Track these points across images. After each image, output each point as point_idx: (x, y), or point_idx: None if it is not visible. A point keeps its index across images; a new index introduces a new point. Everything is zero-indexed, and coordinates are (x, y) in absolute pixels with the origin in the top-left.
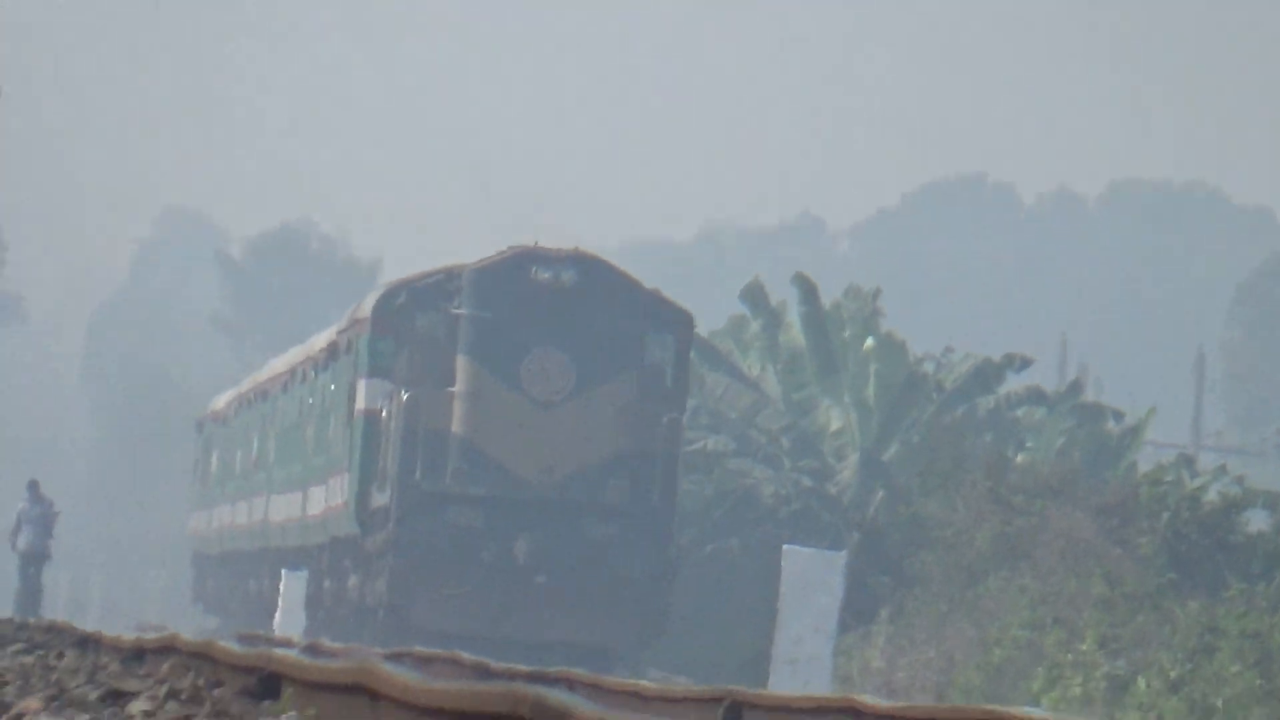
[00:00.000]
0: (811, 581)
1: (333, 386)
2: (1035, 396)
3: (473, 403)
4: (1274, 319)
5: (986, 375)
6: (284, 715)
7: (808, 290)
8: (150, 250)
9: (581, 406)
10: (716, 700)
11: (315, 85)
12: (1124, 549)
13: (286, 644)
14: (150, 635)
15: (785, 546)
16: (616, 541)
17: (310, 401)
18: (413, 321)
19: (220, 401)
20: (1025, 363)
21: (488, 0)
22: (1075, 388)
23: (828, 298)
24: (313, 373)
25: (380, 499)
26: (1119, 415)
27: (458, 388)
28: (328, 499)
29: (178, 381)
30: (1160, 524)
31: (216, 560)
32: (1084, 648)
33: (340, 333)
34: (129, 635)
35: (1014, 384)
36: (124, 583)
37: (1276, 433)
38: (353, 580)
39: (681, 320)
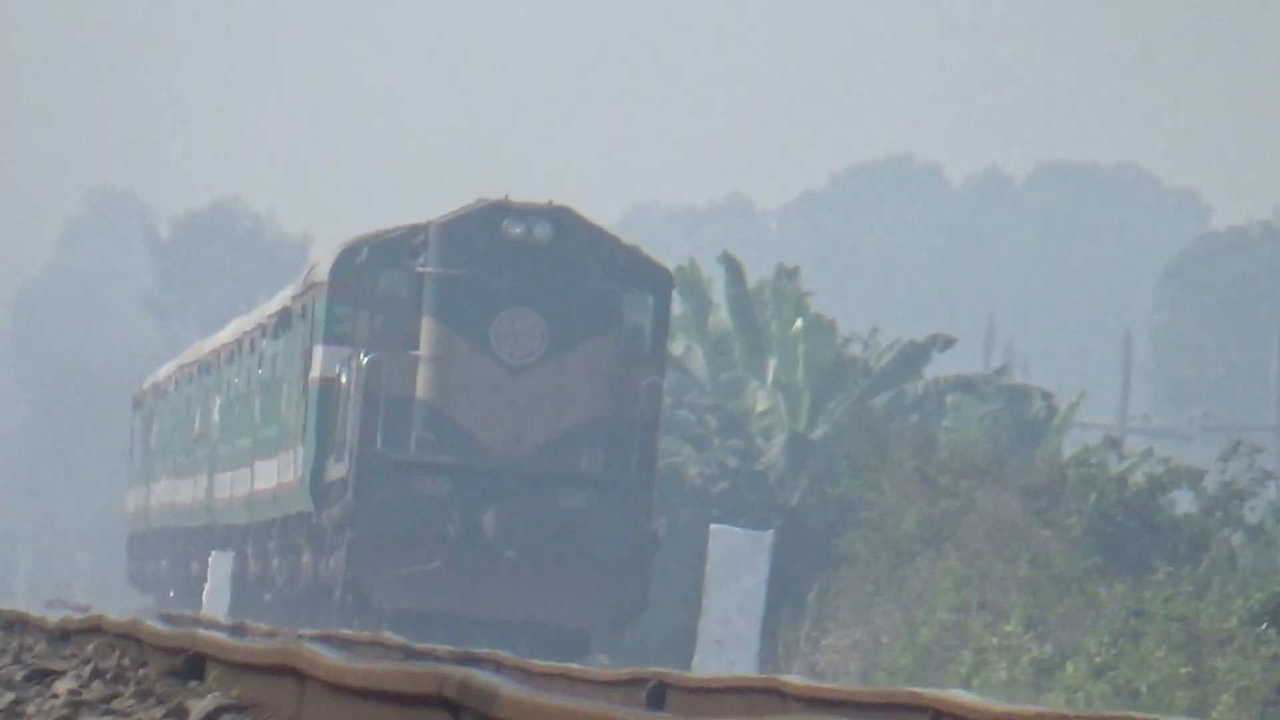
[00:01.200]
0: (738, 561)
1: (285, 354)
2: (964, 384)
3: (438, 367)
4: (1201, 301)
5: (912, 357)
6: (209, 695)
7: (734, 270)
8: (77, 228)
9: (555, 370)
10: (642, 681)
11: (244, 61)
12: (1051, 530)
13: (215, 625)
14: (75, 615)
15: (712, 525)
16: (592, 514)
17: (260, 371)
18: (374, 280)
19: (160, 375)
20: (949, 342)
21: None
22: (1002, 372)
23: (756, 278)
24: (262, 341)
25: (337, 471)
26: (1046, 395)
27: (423, 351)
28: (280, 474)
29: (106, 361)
30: (1087, 506)
31: (154, 540)
32: (1009, 629)
33: (294, 298)
34: (50, 615)
35: (942, 368)
36: (53, 563)
37: (1202, 415)
38: (306, 558)
39: (661, 279)
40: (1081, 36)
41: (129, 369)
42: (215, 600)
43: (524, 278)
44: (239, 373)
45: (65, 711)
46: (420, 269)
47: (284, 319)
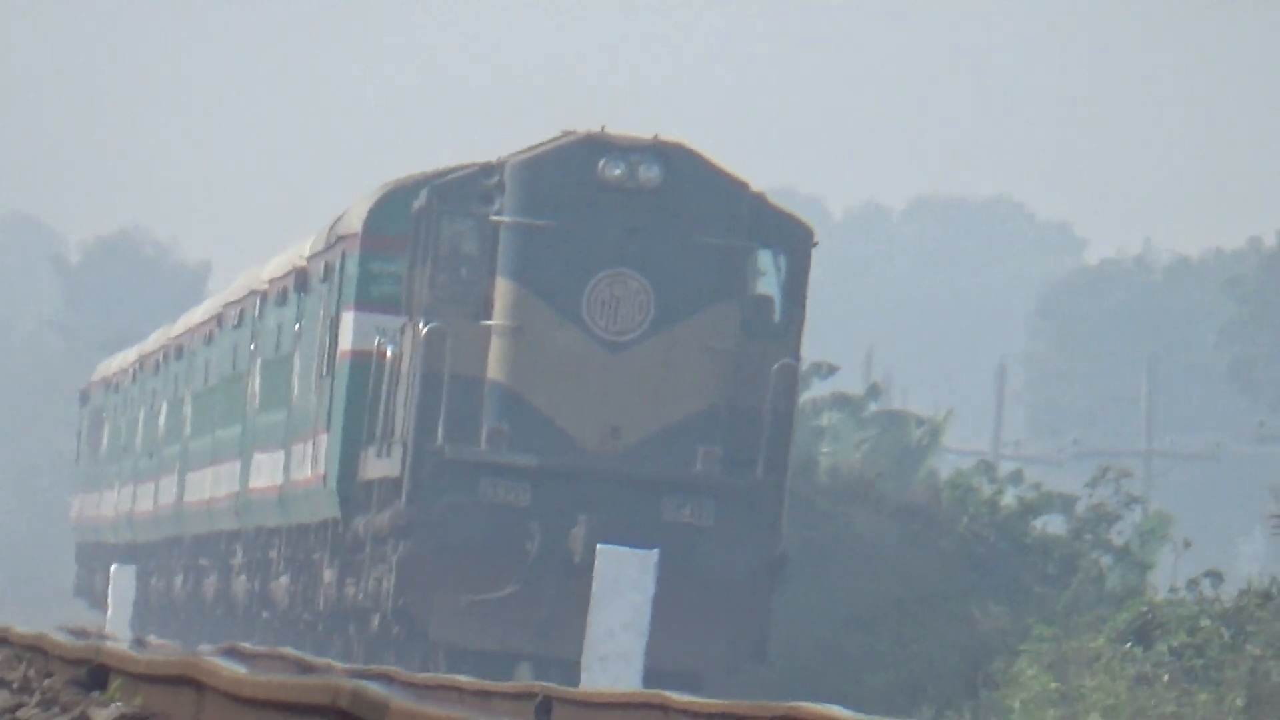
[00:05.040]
0: (623, 580)
1: (296, 325)
2: (840, 402)
3: (517, 340)
4: (1073, 331)
5: None
6: (112, 705)
7: None
8: None
9: (663, 347)
10: (530, 696)
11: (150, 95)
12: (926, 552)
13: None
14: None
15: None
16: (708, 530)
17: (252, 348)
18: (435, 230)
19: (112, 365)
20: (831, 370)
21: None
22: (874, 391)
23: None
24: (256, 312)
25: (380, 469)
26: (920, 420)
27: (497, 320)
28: (289, 471)
29: (13, 379)
30: (960, 528)
31: (109, 551)
32: (881, 648)
33: (312, 256)
34: None
35: (821, 393)
36: None
37: (1073, 442)
38: (329, 575)
39: (798, 235)
40: (956, 72)
41: (35, 387)
42: (118, 617)
43: (625, 231)
44: (223, 353)
45: None
46: (495, 217)
47: (300, 281)
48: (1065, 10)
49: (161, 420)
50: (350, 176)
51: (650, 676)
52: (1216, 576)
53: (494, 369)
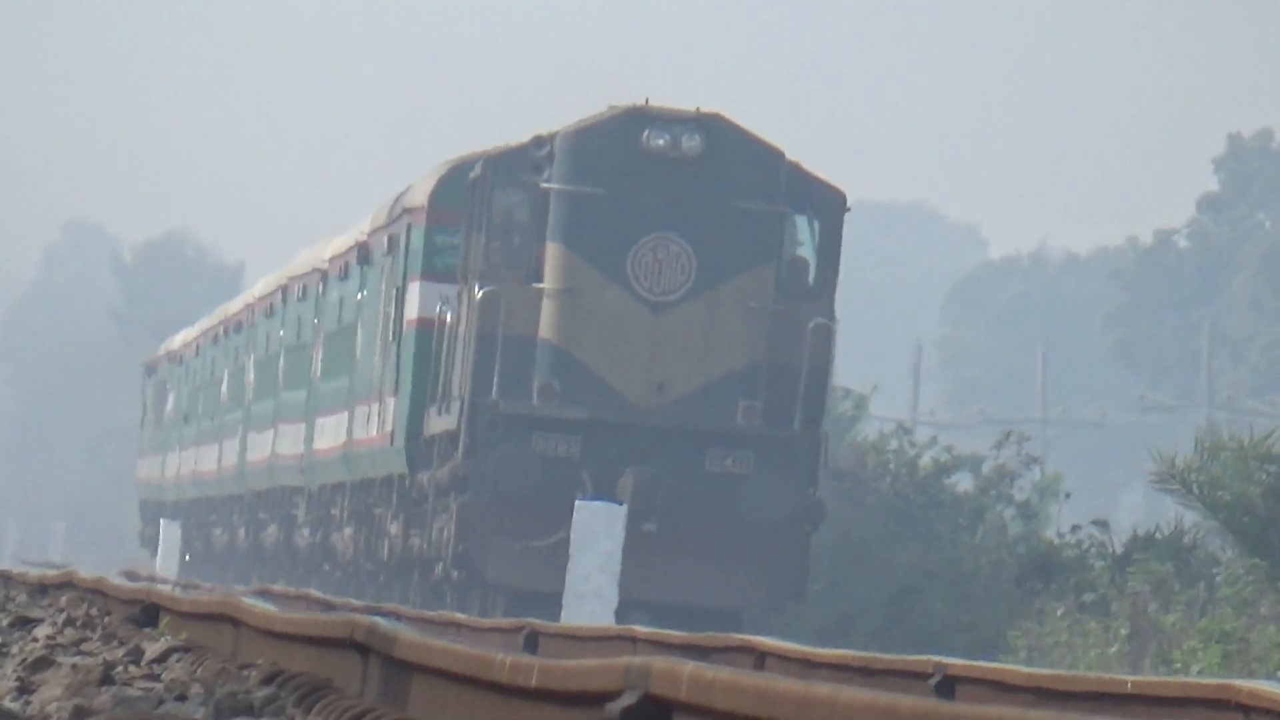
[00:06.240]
0: (597, 530)
1: (358, 296)
2: None
3: (566, 301)
4: (979, 316)
5: None
6: (161, 639)
7: None
8: (56, 253)
9: (705, 307)
10: (518, 630)
11: (193, 111)
12: (856, 506)
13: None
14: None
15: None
16: (748, 478)
17: (315, 321)
18: (489, 200)
19: (176, 341)
20: None
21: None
22: None
23: None
24: (320, 288)
25: (440, 425)
26: (849, 392)
27: (547, 283)
28: (354, 430)
29: (77, 360)
30: (885, 486)
31: (172, 508)
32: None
33: (374, 231)
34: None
35: None
36: (35, 530)
37: (979, 411)
38: (394, 527)
39: (831, 201)
40: (882, 92)
41: (96, 366)
42: (166, 564)
43: (668, 197)
44: (286, 325)
45: (43, 652)
46: (545, 185)
47: (362, 254)
48: (976, 44)
49: (224, 388)
50: (374, 182)
51: (695, 616)
52: (1103, 525)
53: (545, 329)
